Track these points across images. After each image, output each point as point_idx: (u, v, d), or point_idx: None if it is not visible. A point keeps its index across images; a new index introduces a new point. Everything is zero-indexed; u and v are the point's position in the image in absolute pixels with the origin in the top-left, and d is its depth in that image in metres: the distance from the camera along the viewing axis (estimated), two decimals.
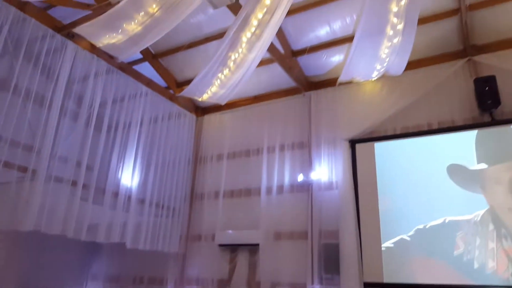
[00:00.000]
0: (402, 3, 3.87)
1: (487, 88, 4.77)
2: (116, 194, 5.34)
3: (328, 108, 5.96)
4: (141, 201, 5.77)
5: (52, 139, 4.51)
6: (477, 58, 5.25)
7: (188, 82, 6.01)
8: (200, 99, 6.17)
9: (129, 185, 5.56)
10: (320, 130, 5.87)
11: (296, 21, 5.53)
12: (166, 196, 6.17)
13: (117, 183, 5.39)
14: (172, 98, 6.67)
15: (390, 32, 4.27)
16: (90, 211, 4.80)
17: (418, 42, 4.78)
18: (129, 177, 5.57)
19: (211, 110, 7.22)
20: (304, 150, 6.00)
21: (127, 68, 5.88)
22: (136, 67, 6.25)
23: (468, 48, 5.32)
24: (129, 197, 5.52)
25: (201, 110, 7.33)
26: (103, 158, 5.18)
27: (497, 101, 4.74)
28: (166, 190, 6.17)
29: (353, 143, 5.56)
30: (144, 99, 6.03)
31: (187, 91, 5.89)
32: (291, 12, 4.82)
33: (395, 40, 4.38)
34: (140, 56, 6.19)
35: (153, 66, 6.45)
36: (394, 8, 3.93)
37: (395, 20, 4.09)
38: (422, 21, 4.85)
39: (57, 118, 4.61)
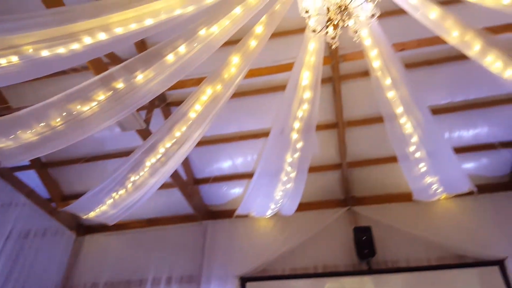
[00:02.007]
0: (296, 155, 4.38)
1: (364, 237, 5.30)
2: None
3: (222, 240, 5.91)
4: None
5: None
6: (356, 208, 5.94)
7: (75, 196, 5.51)
8: (85, 217, 5.63)
9: None
10: (213, 263, 5.69)
11: (202, 152, 5.78)
12: None
13: None
14: (52, 212, 5.97)
15: (284, 178, 4.69)
16: None
17: (308, 187, 5.23)
18: None
19: (95, 229, 6.55)
20: (193, 285, 5.63)
21: (7, 173, 5.26)
22: (18, 174, 5.62)
23: (348, 199, 6.04)
24: None
25: (84, 228, 6.61)
26: None
27: (372, 251, 5.24)
28: None
29: (243, 280, 5.44)
30: (20, 209, 5.32)
31: (72, 207, 5.34)
32: (198, 143, 5.05)
33: (288, 186, 4.80)
34: (27, 163, 5.64)
35: (39, 175, 5.88)
36: (289, 158, 4.41)
37: (289, 168, 4.55)
38: (312, 169, 5.40)
39: None
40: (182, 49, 3.10)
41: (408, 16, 3.20)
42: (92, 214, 5.50)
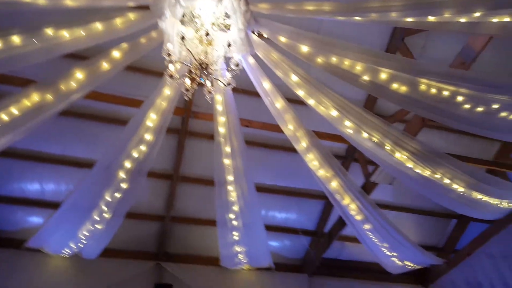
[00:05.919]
0: (117, 195, 3.99)
1: None
2: None
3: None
4: None
5: None
6: (165, 264, 5.74)
7: None
8: None
9: None
10: None
11: (6, 164, 4.84)
12: None
13: None
14: None
15: (96, 217, 4.20)
16: None
17: (121, 233, 4.77)
18: None
19: None
20: None
21: None
22: None
23: (160, 253, 5.79)
24: None
25: None
26: None
27: None
28: None
29: None
30: None
31: None
32: (4, 154, 4.16)
33: (98, 226, 4.33)
34: None
35: None
36: (108, 197, 3.99)
37: (105, 208, 4.10)
38: (131, 216, 4.87)
39: None
40: (16, 39, 2.63)
41: (260, 99, 3.47)
42: None
